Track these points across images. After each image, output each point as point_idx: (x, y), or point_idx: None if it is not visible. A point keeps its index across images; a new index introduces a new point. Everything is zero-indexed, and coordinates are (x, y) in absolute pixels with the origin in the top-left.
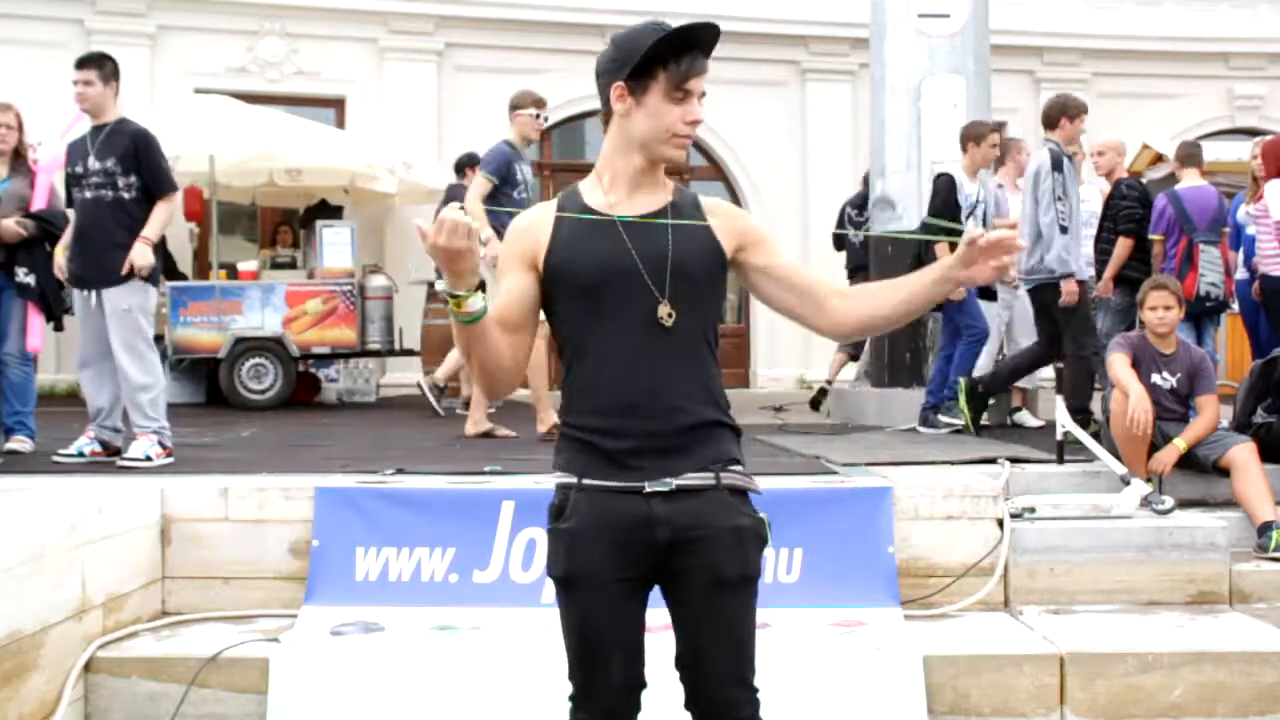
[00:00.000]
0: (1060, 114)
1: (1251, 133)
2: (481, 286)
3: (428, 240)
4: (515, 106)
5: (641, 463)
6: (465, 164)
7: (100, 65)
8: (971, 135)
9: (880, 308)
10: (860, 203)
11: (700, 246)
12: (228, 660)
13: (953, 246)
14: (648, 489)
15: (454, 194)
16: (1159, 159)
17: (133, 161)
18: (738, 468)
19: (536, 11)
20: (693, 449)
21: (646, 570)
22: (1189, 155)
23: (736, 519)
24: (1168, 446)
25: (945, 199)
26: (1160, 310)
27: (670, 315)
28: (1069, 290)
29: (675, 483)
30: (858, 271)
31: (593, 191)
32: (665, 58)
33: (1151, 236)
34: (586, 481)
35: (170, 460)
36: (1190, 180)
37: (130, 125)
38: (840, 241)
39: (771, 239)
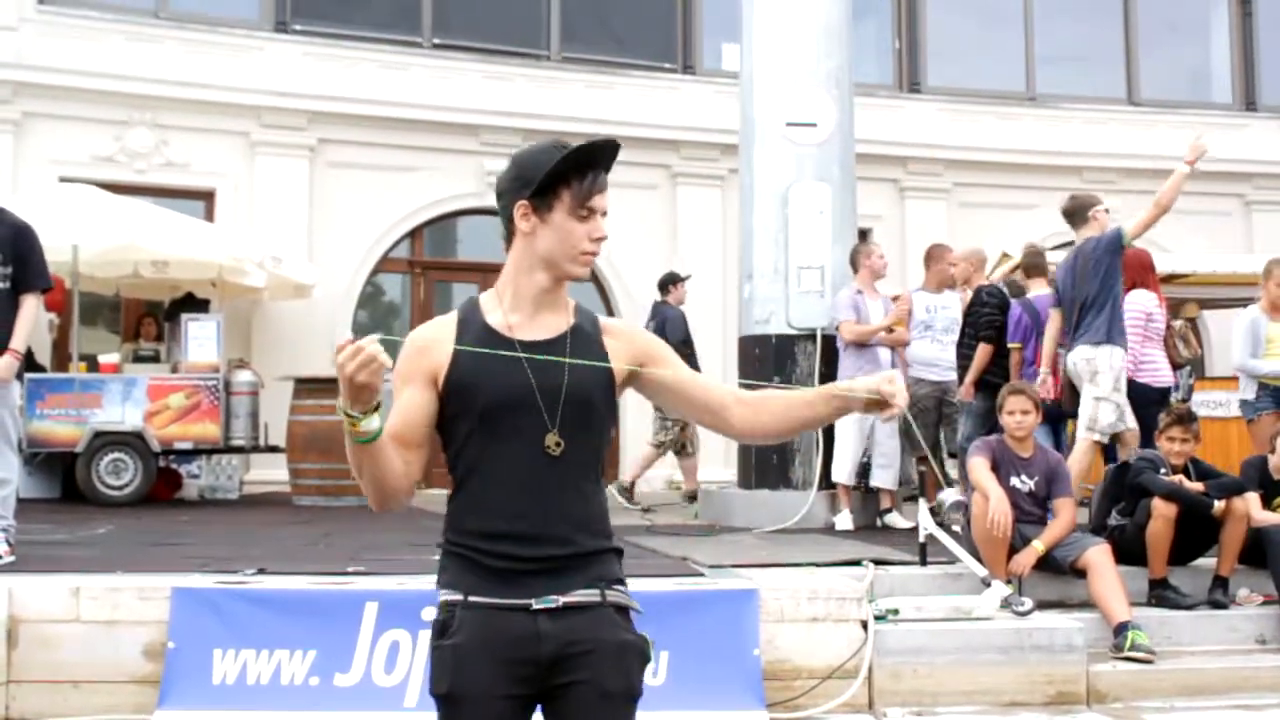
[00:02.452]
0: None
1: None
2: (377, 408)
3: (340, 362)
4: None
5: (528, 581)
6: (667, 282)
7: None
8: None
9: (780, 423)
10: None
11: (595, 376)
12: None
13: None
14: (535, 606)
15: (659, 312)
16: (1019, 268)
17: (11, 252)
18: (621, 587)
19: (409, 110)
20: (579, 568)
21: (531, 688)
22: (1034, 265)
23: (621, 635)
24: (1026, 548)
25: None
26: (1018, 414)
27: (559, 445)
28: None
29: (562, 600)
30: None
31: (493, 310)
32: (568, 176)
33: (1010, 345)
34: (473, 598)
35: (13, 559)
36: (1039, 289)
37: (10, 216)
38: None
39: (670, 355)
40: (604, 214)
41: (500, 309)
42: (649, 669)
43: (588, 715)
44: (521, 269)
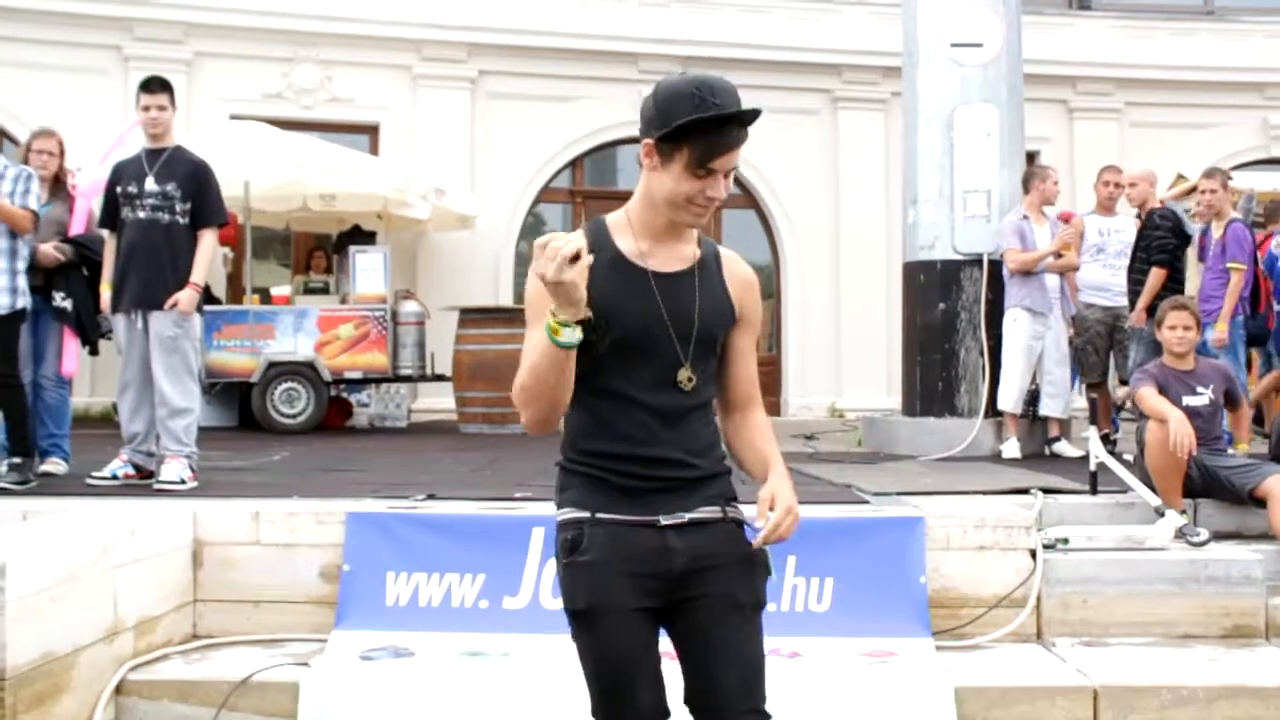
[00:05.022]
0: None
1: None
2: (586, 322)
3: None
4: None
5: (653, 498)
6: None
7: (171, 91)
8: None
9: (738, 456)
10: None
11: (721, 311)
12: (258, 684)
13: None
14: (663, 521)
15: None
16: (1194, 189)
17: (191, 188)
18: (737, 503)
19: (568, 39)
20: (699, 489)
21: (659, 600)
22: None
23: (745, 548)
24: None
25: None
26: (1180, 330)
27: (690, 380)
28: None
29: (688, 516)
30: None
31: (622, 234)
32: (698, 131)
33: (1231, 265)
34: (600, 515)
35: (196, 485)
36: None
37: (188, 153)
38: None
39: (756, 321)
40: (729, 172)
41: (629, 234)
42: (801, 589)
43: (722, 625)
44: (644, 201)
